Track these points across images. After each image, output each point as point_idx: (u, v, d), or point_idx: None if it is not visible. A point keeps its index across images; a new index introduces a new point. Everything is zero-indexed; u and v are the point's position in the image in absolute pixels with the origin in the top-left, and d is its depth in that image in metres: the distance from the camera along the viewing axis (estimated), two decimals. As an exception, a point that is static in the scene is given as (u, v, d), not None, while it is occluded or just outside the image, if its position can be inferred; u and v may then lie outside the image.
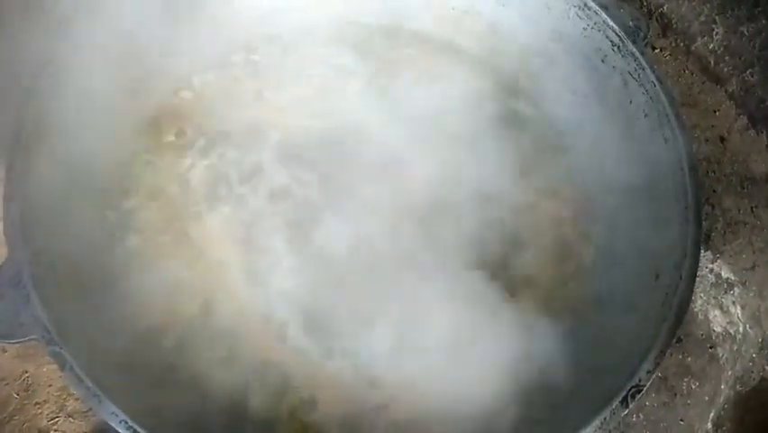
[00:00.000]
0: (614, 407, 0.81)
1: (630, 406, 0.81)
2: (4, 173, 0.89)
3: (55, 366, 1.20)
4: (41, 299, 0.80)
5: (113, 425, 0.75)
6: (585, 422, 0.79)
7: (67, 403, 1.18)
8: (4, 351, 1.21)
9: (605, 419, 0.80)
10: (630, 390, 0.82)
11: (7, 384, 1.17)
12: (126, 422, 0.75)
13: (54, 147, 0.95)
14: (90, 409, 1.18)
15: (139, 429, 0.75)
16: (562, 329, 1.03)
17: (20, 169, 0.88)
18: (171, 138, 1.15)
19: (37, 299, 0.80)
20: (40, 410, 1.17)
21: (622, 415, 0.81)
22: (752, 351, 1.20)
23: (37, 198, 0.89)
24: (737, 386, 1.19)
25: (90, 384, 0.76)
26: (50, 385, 1.18)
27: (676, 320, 0.87)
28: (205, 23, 1.20)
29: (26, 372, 1.18)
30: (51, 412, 1.17)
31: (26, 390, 1.17)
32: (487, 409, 0.97)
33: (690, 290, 0.90)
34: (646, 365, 0.83)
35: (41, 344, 0.79)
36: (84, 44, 1.01)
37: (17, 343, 0.79)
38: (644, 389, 0.82)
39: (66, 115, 0.98)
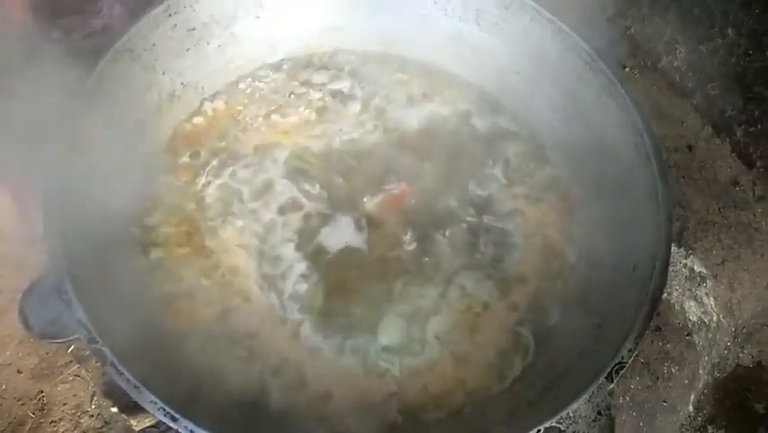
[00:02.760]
0: (600, 382, 0.89)
1: (615, 381, 0.90)
2: (42, 195, 0.97)
3: (69, 386, 1.28)
4: (81, 303, 0.88)
5: (152, 412, 0.83)
6: (576, 395, 0.88)
7: (81, 421, 1.25)
8: (20, 372, 1.28)
9: (593, 392, 0.89)
10: (614, 366, 0.91)
11: (23, 404, 1.24)
12: (164, 409, 0.83)
13: (83, 171, 1.03)
14: (105, 425, 1.25)
15: (176, 415, 0.82)
16: (552, 320, 1.13)
17: (56, 191, 0.97)
18: (187, 160, 1.23)
19: (78, 303, 0.88)
20: (55, 429, 1.23)
21: (608, 389, 0.90)
22: (726, 339, 1.30)
23: (72, 216, 0.97)
24: (715, 372, 1.28)
25: (130, 376, 0.84)
26: (64, 404, 1.25)
27: (652, 305, 0.96)
28: (214, 54, 1.30)
29: (41, 392, 1.25)
30: (66, 430, 1.23)
31: (41, 409, 1.24)
32: (484, 393, 1.06)
33: (663, 277, 0.99)
34: (627, 345, 0.92)
35: (83, 342, 0.87)
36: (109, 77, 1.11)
37: (63, 342, 0.87)
38: (627, 365, 0.91)
39: (93, 141, 1.06)
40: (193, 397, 0.93)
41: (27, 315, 0.88)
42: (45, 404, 1.25)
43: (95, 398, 1.25)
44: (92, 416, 1.24)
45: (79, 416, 1.24)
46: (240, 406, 0.99)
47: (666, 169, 1.09)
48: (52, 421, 1.24)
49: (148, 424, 1.19)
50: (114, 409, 1.20)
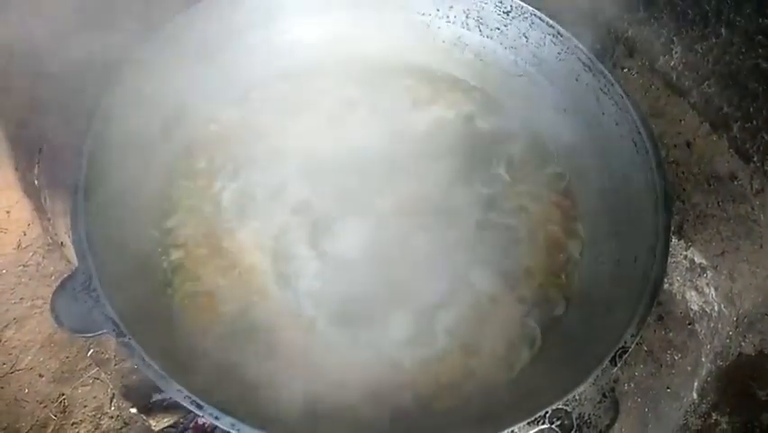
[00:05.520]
0: (605, 366, 0.93)
1: (618, 365, 0.94)
2: (70, 200, 1.02)
3: (89, 388, 1.33)
4: (108, 299, 0.93)
5: (178, 400, 0.87)
6: (582, 378, 0.92)
7: (102, 422, 1.29)
8: (41, 376, 1.32)
9: (598, 375, 0.93)
10: (617, 351, 0.95)
11: (45, 407, 1.28)
12: (190, 397, 0.87)
13: (105, 177, 1.08)
14: (124, 426, 1.29)
15: (201, 402, 0.87)
16: (558, 311, 1.17)
17: (81, 197, 1.02)
18: (203, 165, 1.28)
19: (106, 299, 0.93)
20: (77, 430, 1.27)
21: (612, 372, 0.93)
22: (728, 328, 1.33)
23: (96, 219, 1.02)
24: (718, 361, 1.32)
25: (157, 367, 0.89)
26: (85, 406, 1.29)
27: (653, 292, 1.00)
28: (227, 64, 1.35)
29: (62, 394, 1.29)
30: (87, 431, 1.27)
31: (63, 411, 1.28)
32: (493, 382, 1.10)
33: (663, 266, 1.03)
34: (630, 330, 0.96)
35: (111, 336, 0.91)
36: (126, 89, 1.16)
37: (92, 336, 0.92)
38: (630, 350, 0.95)
39: (113, 150, 1.11)
40: (214, 388, 0.97)
41: (58, 311, 0.92)
42: (66, 406, 1.28)
43: (114, 400, 1.29)
44: (112, 417, 1.28)
45: (100, 417, 1.28)
46: (260, 397, 1.03)
47: (663, 163, 1.13)
48: (74, 423, 1.28)
49: (166, 424, 1.24)
50: (134, 411, 1.26)
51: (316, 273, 1.17)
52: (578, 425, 0.90)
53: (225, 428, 0.86)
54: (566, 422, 0.90)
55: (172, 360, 0.94)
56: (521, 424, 0.89)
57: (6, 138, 1.50)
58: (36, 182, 1.41)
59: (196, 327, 1.09)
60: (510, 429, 0.88)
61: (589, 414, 0.91)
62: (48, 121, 1.31)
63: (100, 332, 0.92)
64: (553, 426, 0.90)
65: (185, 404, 0.87)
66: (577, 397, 0.91)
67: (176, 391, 0.88)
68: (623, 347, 0.95)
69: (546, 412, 0.90)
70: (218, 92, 1.35)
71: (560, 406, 0.90)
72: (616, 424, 0.93)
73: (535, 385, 1.06)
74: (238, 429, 0.86)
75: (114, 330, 0.91)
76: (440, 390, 1.09)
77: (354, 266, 1.19)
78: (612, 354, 0.94)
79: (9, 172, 1.48)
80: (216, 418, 0.86)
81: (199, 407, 0.87)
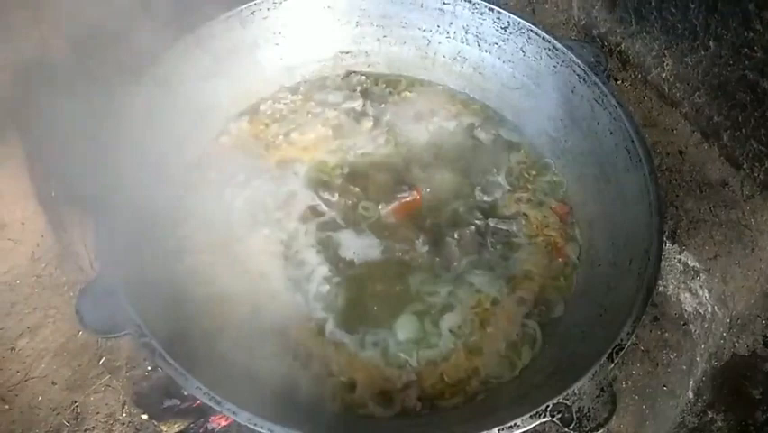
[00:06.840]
0: (602, 362, 0.97)
1: (615, 361, 0.98)
2: (88, 211, 1.07)
3: (101, 395, 1.35)
4: (130, 303, 0.97)
5: (198, 396, 0.91)
6: (580, 374, 0.96)
7: (113, 428, 1.30)
8: (54, 384, 1.34)
9: (596, 371, 0.97)
10: (614, 348, 0.99)
11: (59, 414, 1.30)
12: (209, 394, 0.91)
13: (125, 188, 1.12)
14: (136, 432, 1.32)
15: (219, 399, 0.91)
16: (557, 312, 1.22)
17: (104, 207, 1.07)
18: (214, 175, 1.33)
19: (127, 303, 0.97)
20: (90, 437, 1.30)
21: (609, 368, 0.97)
22: (721, 330, 1.37)
23: (118, 228, 1.06)
24: (713, 361, 1.35)
25: (177, 366, 0.93)
26: (97, 413, 1.31)
27: (647, 292, 1.05)
28: (237, 78, 1.41)
29: (75, 402, 1.30)
30: (101, 438, 1.30)
31: (76, 418, 1.29)
32: (496, 381, 1.14)
33: (656, 268, 1.07)
34: (626, 328, 1.00)
35: (133, 337, 0.95)
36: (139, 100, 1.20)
37: (115, 337, 0.96)
38: (626, 347, 0.99)
39: (130, 162, 1.16)
40: (228, 387, 1.00)
41: (83, 314, 0.97)
42: (79, 413, 1.30)
43: (126, 406, 1.30)
44: (124, 424, 1.29)
45: (112, 424, 1.29)
46: (272, 395, 1.07)
47: (656, 170, 1.17)
48: (86, 430, 1.29)
49: (177, 429, 1.26)
50: (145, 417, 1.27)
51: (325, 278, 1.22)
52: (577, 418, 0.94)
53: (242, 423, 0.90)
54: (566, 415, 0.94)
55: (189, 360, 0.97)
56: (524, 417, 0.93)
57: (22, 150, 1.53)
58: (53, 194, 1.45)
59: (212, 329, 1.13)
60: (513, 422, 0.92)
61: (589, 408, 0.95)
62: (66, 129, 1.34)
63: (123, 333, 0.96)
64: (554, 419, 0.93)
65: (204, 400, 0.91)
66: (576, 392, 0.95)
67: (195, 389, 0.91)
68: (619, 345, 0.99)
69: (547, 406, 0.94)
70: (229, 105, 1.41)
71: (560, 400, 0.94)
72: (614, 421, 0.96)
73: (537, 381, 1.10)
74: (254, 424, 0.89)
75: (135, 331, 0.95)
76: (445, 388, 1.13)
77: (361, 270, 1.23)
78: (609, 351, 0.98)
79: (25, 184, 1.52)
80: (234, 413, 0.90)
81: (218, 403, 0.91)
